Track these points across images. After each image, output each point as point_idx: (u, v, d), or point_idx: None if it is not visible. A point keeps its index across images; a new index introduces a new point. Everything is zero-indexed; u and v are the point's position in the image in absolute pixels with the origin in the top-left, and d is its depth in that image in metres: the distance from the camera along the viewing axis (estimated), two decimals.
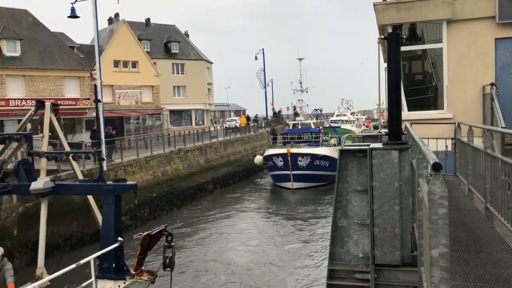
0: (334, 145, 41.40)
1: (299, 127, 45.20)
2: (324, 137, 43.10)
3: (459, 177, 9.70)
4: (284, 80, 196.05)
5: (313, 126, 45.34)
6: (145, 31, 60.38)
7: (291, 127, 45.70)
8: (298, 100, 48.96)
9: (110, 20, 55.47)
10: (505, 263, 5.00)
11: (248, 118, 65.43)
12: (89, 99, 42.07)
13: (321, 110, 56.30)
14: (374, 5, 11.83)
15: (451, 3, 11.25)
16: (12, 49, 38.18)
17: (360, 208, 6.89)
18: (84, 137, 37.73)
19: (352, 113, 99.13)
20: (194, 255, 21.27)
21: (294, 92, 48.78)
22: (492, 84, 10.58)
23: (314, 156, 36.29)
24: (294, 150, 36.76)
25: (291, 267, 19.30)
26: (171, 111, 60.16)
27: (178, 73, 61.94)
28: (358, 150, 6.86)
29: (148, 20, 63.38)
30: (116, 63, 49.11)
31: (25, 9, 42.52)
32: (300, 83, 48.95)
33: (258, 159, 40.91)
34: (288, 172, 36.58)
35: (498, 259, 5.16)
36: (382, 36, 7.32)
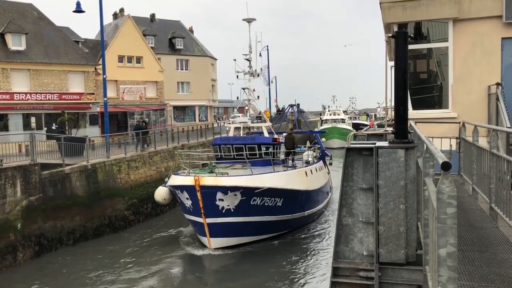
0: (308, 163, 25.93)
1: (241, 133, 27.26)
2: (297, 149, 28.14)
3: (463, 176, 9.70)
4: (290, 77, 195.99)
5: (266, 133, 27.38)
6: (150, 26, 60.37)
7: (230, 134, 27.68)
8: (244, 89, 28.67)
9: (115, 15, 55.46)
10: (510, 263, 5.01)
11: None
12: (93, 93, 42.17)
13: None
14: (380, 3, 11.78)
15: (457, 2, 11.19)
16: (17, 43, 38.20)
17: (365, 206, 6.91)
18: (88, 131, 37.81)
19: (344, 111, 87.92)
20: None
21: (237, 76, 28.58)
22: (497, 84, 10.55)
23: (248, 191, 20.02)
24: (208, 180, 19.91)
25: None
26: (175, 107, 60.23)
27: (182, 69, 61.97)
28: (364, 148, 6.88)
29: (153, 15, 63.41)
30: (121, 58, 49.14)
31: (30, 3, 42.53)
32: (249, 60, 28.70)
33: (160, 193, 23.02)
34: (201, 220, 20.44)
35: (503, 259, 5.17)
36: (390, 35, 7.31)
